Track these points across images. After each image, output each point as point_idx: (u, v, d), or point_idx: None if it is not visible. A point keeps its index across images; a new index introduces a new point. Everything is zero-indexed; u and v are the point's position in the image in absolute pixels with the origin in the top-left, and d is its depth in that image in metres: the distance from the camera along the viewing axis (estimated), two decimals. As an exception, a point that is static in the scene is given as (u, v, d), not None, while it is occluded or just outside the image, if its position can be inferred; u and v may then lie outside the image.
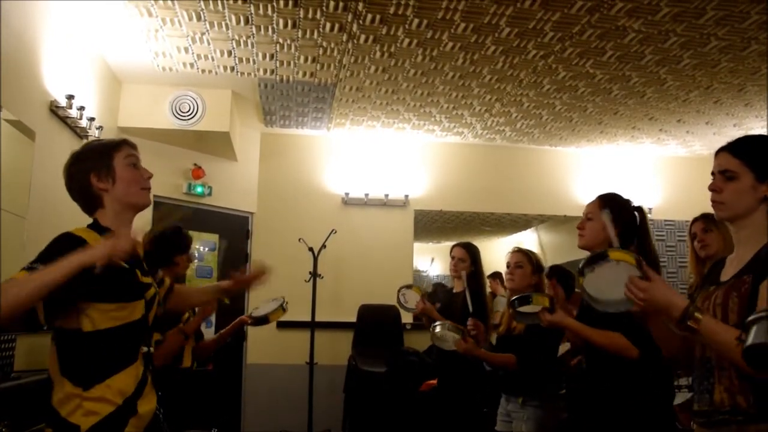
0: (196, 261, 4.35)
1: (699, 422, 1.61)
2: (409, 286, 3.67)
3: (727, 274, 1.65)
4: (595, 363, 2.33)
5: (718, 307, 1.57)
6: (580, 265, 1.66)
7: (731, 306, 1.53)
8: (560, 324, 2.33)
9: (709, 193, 1.67)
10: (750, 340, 1.26)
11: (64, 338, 1.65)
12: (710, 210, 1.71)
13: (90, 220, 1.79)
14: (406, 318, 5.81)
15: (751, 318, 1.29)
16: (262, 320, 3.21)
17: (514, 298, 2.46)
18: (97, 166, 1.78)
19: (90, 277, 1.58)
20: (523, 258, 3.16)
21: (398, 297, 3.62)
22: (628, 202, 2.45)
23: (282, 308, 3.22)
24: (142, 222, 1.94)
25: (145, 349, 1.80)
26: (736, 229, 1.66)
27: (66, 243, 1.63)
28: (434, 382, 3.97)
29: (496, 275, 6.45)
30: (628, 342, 2.14)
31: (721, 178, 1.64)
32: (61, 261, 1.49)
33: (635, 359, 2.14)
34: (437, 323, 3.26)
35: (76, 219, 1.72)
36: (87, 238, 1.67)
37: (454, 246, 3.89)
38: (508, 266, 3.20)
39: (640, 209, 2.47)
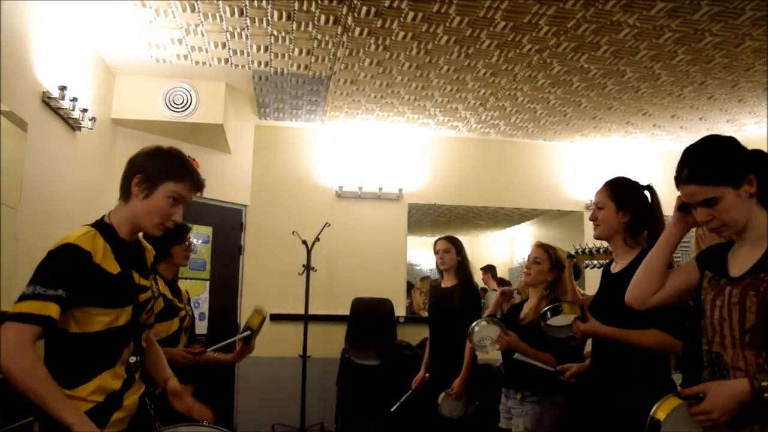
0: (193, 252, 4.24)
1: None
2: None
3: (736, 268, 1.64)
4: (603, 361, 2.24)
5: (735, 306, 1.56)
6: None
7: (749, 305, 1.53)
8: (595, 333, 2.18)
9: None
10: None
11: (52, 337, 1.65)
12: None
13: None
14: (400, 311, 5.83)
15: None
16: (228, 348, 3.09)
17: (545, 309, 2.32)
18: (146, 175, 1.75)
19: (81, 283, 1.59)
20: (542, 254, 3.12)
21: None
22: (636, 184, 2.40)
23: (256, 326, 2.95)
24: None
25: (133, 359, 1.75)
26: (739, 234, 1.65)
27: (72, 258, 1.60)
28: (426, 375, 3.99)
29: (488, 268, 6.45)
30: (671, 337, 2.05)
31: (705, 206, 1.63)
32: (70, 407, 1.52)
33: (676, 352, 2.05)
34: (475, 323, 2.99)
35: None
36: (92, 248, 1.64)
37: (437, 240, 3.90)
38: (527, 260, 3.16)
39: (650, 188, 2.40)
